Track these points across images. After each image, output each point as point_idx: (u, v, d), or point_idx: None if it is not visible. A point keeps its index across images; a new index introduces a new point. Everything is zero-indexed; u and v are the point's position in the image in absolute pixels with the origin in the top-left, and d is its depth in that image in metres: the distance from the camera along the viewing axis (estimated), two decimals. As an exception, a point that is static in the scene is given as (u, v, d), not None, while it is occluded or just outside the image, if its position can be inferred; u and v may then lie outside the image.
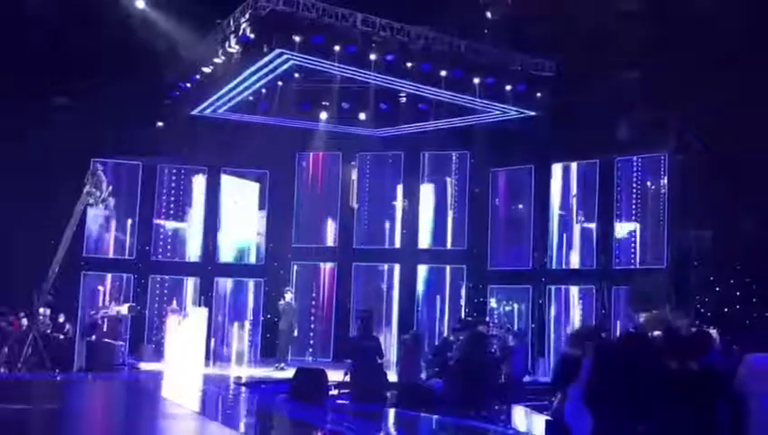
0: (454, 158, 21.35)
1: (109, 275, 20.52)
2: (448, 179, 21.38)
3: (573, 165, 19.80)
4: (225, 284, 21.43)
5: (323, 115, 20.71)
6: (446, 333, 18.50)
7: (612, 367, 6.65)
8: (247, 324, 20.20)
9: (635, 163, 18.95)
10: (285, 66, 17.61)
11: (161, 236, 21.18)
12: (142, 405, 13.56)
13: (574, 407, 6.86)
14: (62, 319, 18.41)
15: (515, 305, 20.15)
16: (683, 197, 17.75)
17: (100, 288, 19.92)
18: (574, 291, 19.56)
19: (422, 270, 21.11)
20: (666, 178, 18.24)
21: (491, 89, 18.53)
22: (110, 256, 20.81)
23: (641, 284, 17.86)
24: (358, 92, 20.08)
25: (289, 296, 18.94)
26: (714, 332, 8.86)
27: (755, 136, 15.66)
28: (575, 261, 19.75)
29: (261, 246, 21.73)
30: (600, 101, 17.80)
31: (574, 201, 19.79)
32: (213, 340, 20.24)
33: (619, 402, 6.49)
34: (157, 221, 21.08)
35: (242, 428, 11.15)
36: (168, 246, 21.26)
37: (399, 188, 21.48)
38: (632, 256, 18.73)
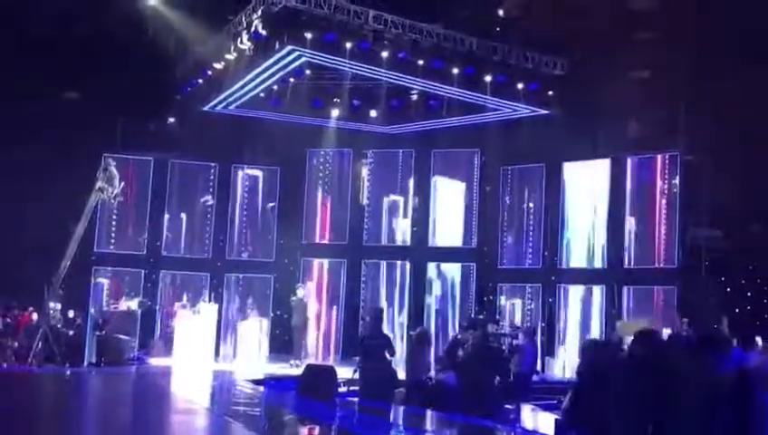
0: (464, 156, 21.27)
1: (120, 271, 20.53)
2: (459, 178, 21.28)
3: (584, 163, 19.70)
4: (236, 280, 21.40)
5: (334, 112, 20.73)
6: (455, 331, 18.44)
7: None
8: (258, 320, 20.13)
9: (646, 162, 18.86)
10: (297, 63, 17.61)
11: (172, 232, 21.18)
12: (152, 400, 13.61)
13: None
14: (72, 314, 18.48)
15: (525, 304, 20.08)
16: (694, 196, 17.69)
17: (106, 281, 19.93)
18: (584, 290, 19.47)
19: (432, 268, 21.06)
20: (678, 177, 18.13)
21: (502, 87, 18.49)
22: (122, 251, 20.76)
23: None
24: (369, 90, 20.09)
25: (301, 293, 18.93)
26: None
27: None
28: (586, 260, 19.64)
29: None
30: (611, 100, 17.75)
31: (585, 200, 19.68)
32: (223, 336, 20.26)
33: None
34: (167, 217, 21.06)
35: (250, 424, 11.17)
36: (180, 242, 21.27)
37: (410, 186, 21.42)
38: (643, 255, 18.63)
